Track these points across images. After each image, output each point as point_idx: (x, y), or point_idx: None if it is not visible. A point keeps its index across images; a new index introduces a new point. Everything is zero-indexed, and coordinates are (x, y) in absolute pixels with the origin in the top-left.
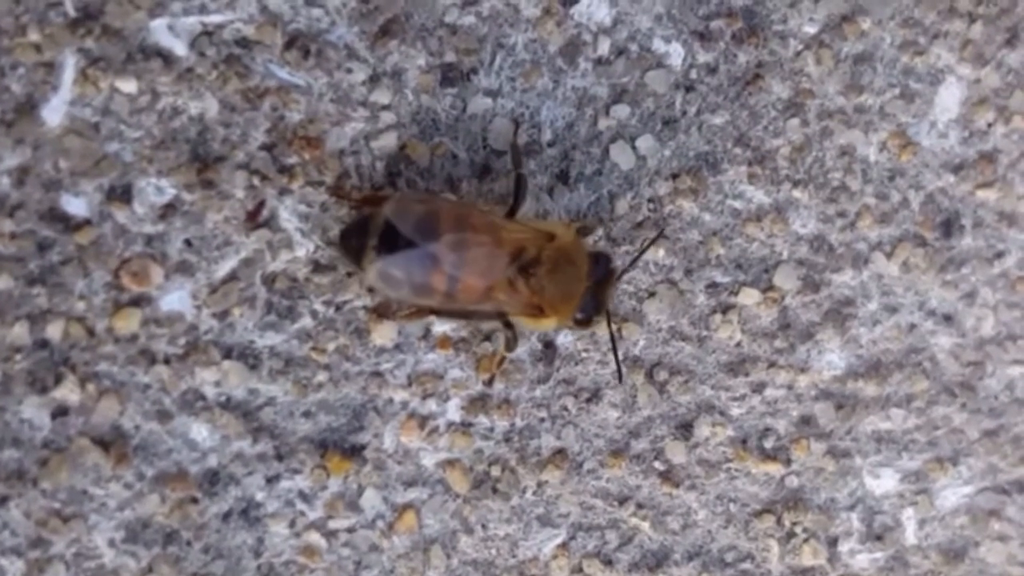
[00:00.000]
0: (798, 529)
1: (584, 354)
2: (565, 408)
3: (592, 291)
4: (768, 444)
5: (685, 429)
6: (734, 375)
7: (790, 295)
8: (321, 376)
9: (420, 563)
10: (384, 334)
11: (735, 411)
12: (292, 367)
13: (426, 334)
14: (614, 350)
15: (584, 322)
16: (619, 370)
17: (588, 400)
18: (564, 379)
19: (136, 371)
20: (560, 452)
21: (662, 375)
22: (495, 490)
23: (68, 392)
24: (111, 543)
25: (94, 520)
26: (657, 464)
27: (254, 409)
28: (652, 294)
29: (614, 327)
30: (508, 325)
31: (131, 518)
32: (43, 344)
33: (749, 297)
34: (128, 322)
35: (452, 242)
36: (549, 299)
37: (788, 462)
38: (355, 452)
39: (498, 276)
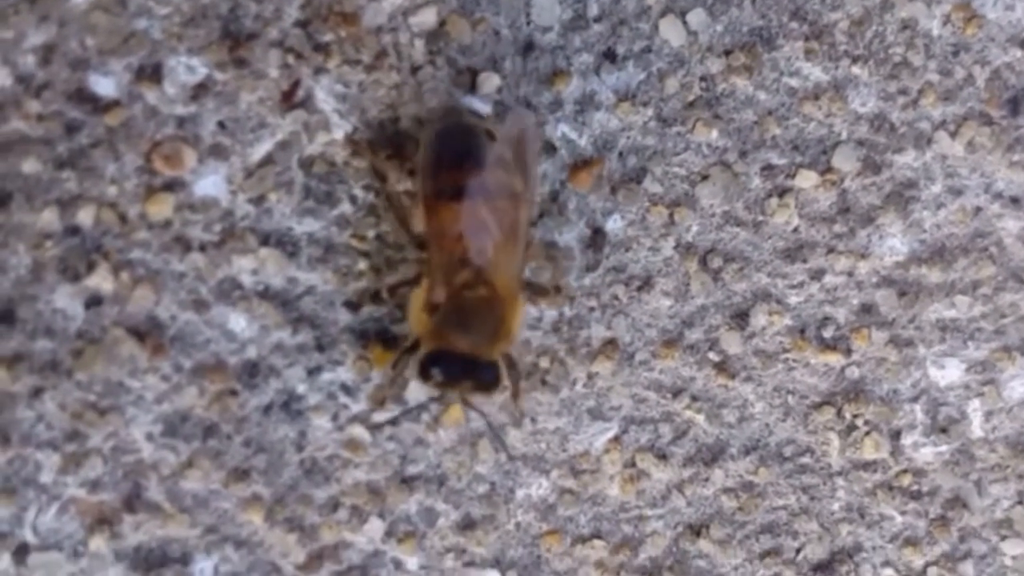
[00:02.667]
0: (859, 422)
1: (635, 241)
2: (615, 297)
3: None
4: (827, 333)
5: (740, 318)
6: (791, 261)
7: (849, 177)
8: (362, 264)
9: (467, 457)
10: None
11: (792, 299)
12: (331, 255)
13: None
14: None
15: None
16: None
17: (639, 288)
18: (614, 267)
19: (171, 259)
20: (611, 342)
21: (716, 262)
22: (544, 382)
23: (101, 280)
24: (149, 437)
25: (131, 413)
26: (712, 355)
27: (293, 298)
28: (705, 177)
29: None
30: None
31: (169, 411)
32: (74, 230)
33: (806, 180)
34: (161, 207)
35: None
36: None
37: (848, 352)
38: (398, 343)
39: None
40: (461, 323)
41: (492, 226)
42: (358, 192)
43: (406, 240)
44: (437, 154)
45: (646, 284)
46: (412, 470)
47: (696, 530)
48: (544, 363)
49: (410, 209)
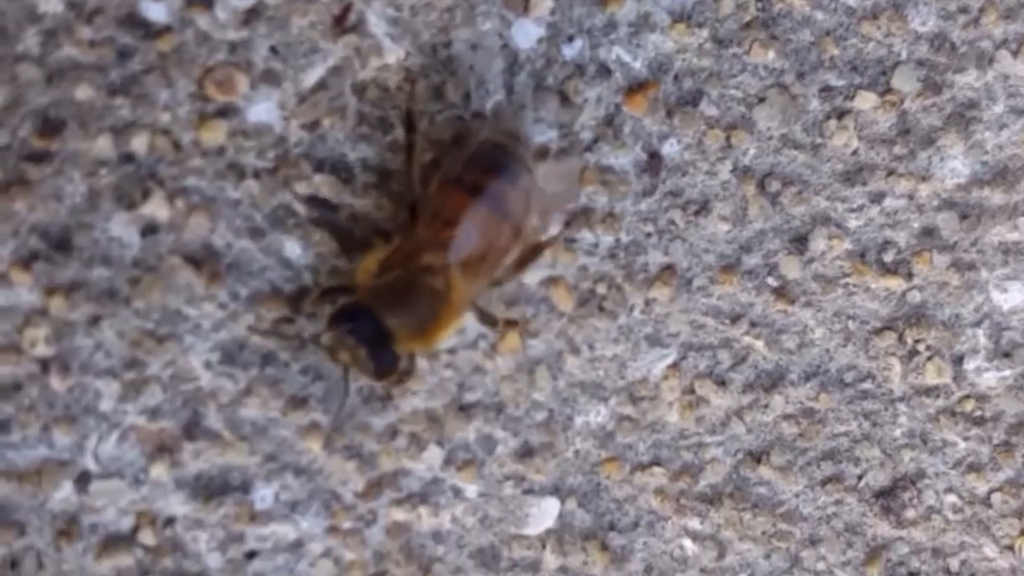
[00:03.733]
0: (921, 347)
1: (691, 165)
2: (672, 222)
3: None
4: (888, 257)
5: (799, 243)
6: (851, 185)
7: (909, 98)
8: None
9: (525, 385)
10: None
11: (852, 223)
12: (385, 180)
13: (525, 145)
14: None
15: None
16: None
17: (696, 213)
18: (671, 191)
19: (225, 186)
20: (668, 268)
21: (774, 186)
22: (601, 308)
23: (157, 208)
24: (207, 365)
25: (189, 341)
26: (770, 280)
27: None
28: (762, 99)
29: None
30: None
31: (226, 339)
32: (128, 158)
33: (866, 101)
34: (215, 134)
35: None
36: None
37: (909, 276)
38: None
39: None
40: (401, 298)
41: (482, 238)
42: None
43: (404, 190)
44: (483, 149)
45: (703, 209)
46: (470, 397)
47: (756, 457)
48: (601, 289)
49: (424, 171)
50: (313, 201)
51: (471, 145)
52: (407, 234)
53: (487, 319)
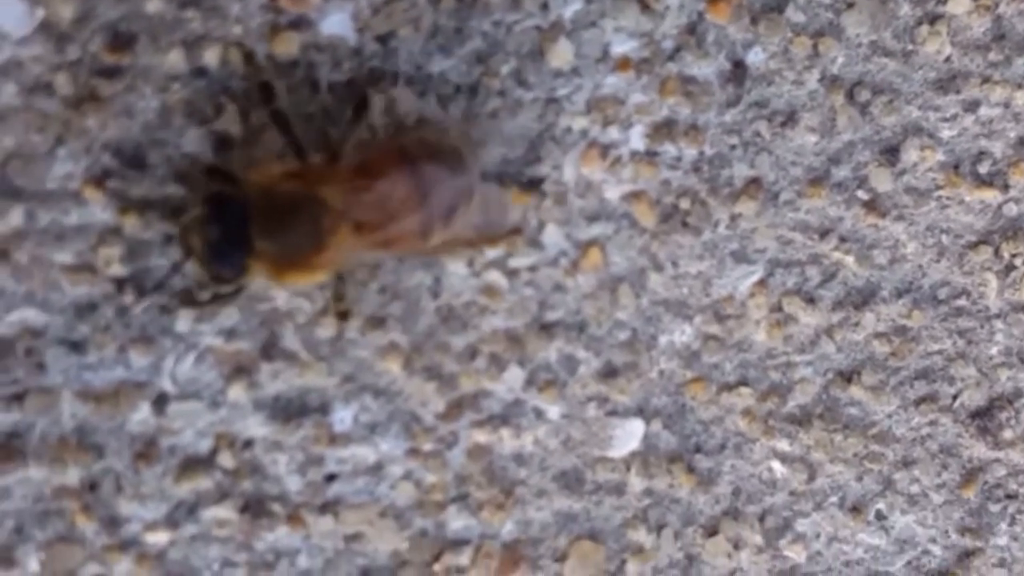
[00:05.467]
0: (1018, 261)
1: (777, 74)
2: (758, 133)
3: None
4: (983, 169)
5: (890, 154)
6: (944, 93)
7: (1004, 2)
8: (494, 103)
9: (607, 303)
10: (560, 56)
11: (945, 133)
12: (463, 94)
13: (604, 55)
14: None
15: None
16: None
17: (783, 124)
18: (756, 101)
19: (299, 100)
20: (754, 181)
21: (864, 95)
22: (685, 224)
23: (229, 123)
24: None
25: None
26: (860, 193)
27: None
28: (851, 5)
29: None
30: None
31: None
32: (200, 72)
33: (959, 5)
34: (288, 46)
35: None
36: None
37: (1006, 188)
38: (533, 185)
39: None
40: (279, 216)
41: (388, 210)
42: (488, 28)
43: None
44: (442, 140)
45: (790, 119)
46: (551, 316)
47: (847, 376)
48: (684, 204)
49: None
50: (264, 88)
51: (434, 131)
52: (324, 163)
53: (338, 300)
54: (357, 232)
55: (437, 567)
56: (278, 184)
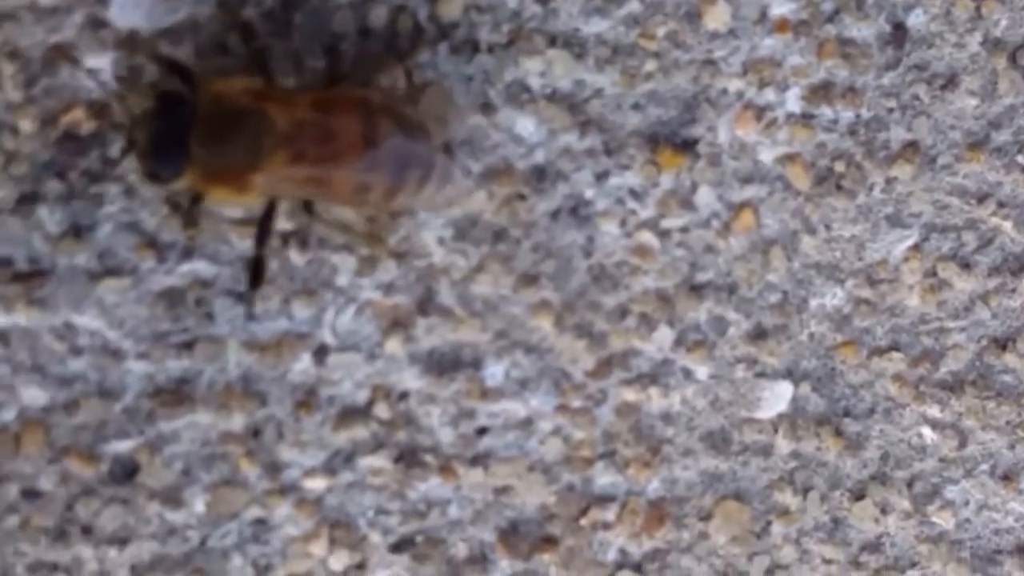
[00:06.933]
0: None
1: (938, 36)
2: (916, 96)
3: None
4: None
5: None
6: None
7: None
8: (650, 65)
9: (759, 265)
10: (717, 17)
11: None
12: (619, 56)
13: (762, 17)
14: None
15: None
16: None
17: (942, 87)
18: (915, 64)
19: (459, 61)
20: (911, 145)
21: None
22: (839, 187)
23: (392, 82)
24: (440, 241)
25: (422, 217)
26: (1020, 158)
27: (581, 101)
28: None
29: None
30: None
31: (459, 215)
32: (366, 33)
33: None
34: (450, 8)
35: None
36: None
37: None
38: (687, 146)
39: None
40: (224, 127)
41: (336, 147)
42: None
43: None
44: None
45: (950, 83)
46: (702, 277)
47: (1002, 344)
48: (839, 167)
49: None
50: (246, 29)
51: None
52: (286, 89)
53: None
54: (295, 162)
55: (583, 521)
56: (232, 96)
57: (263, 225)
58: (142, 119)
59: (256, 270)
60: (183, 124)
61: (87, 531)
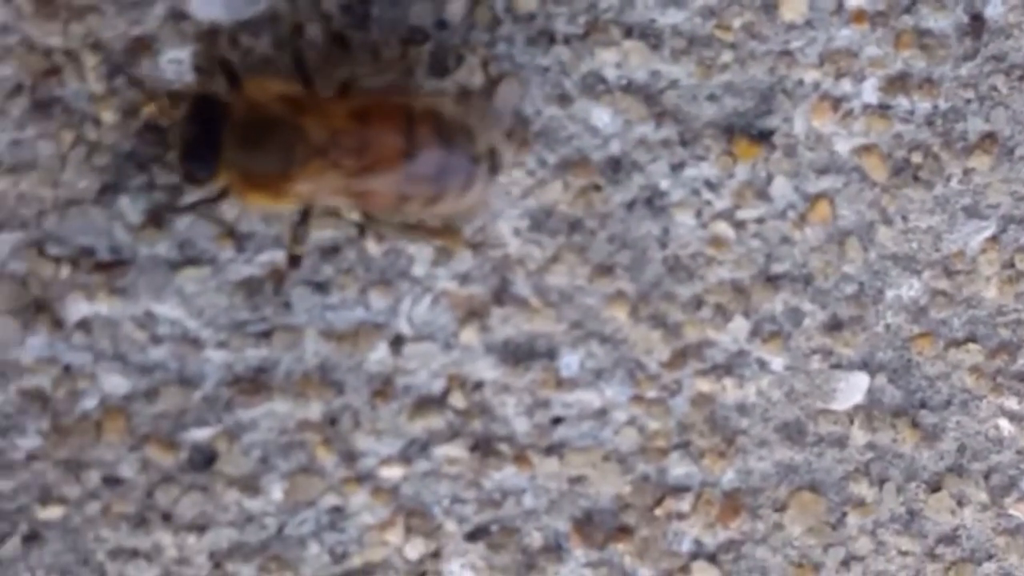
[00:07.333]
0: None
1: (1017, 27)
2: (994, 87)
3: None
4: None
5: None
6: None
7: None
8: (726, 56)
9: (835, 256)
10: (794, 8)
11: None
12: (695, 47)
13: (839, 8)
14: None
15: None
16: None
17: (1020, 78)
18: (993, 55)
19: (536, 52)
20: (989, 136)
21: None
22: (916, 178)
23: (469, 75)
24: (515, 231)
25: (498, 207)
26: None
27: (656, 92)
28: None
29: None
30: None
31: (534, 206)
32: (443, 24)
33: None
34: (527, 1)
35: None
36: None
37: None
38: (763, 137)
39: None
40: (258, 134)
41: (373, 158)
42: None
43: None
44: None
45: None
46: (777, 268)
47: None
48: (916, 158)
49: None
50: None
51: (450, 105)
52: (325, 97)
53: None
54: (331, 171)
55: (658, 512)
56: (268, 102)
57: (297, 230)
58: (179, 122)
59: (287, 270)
60: (216, 127)
61: (167, 518)
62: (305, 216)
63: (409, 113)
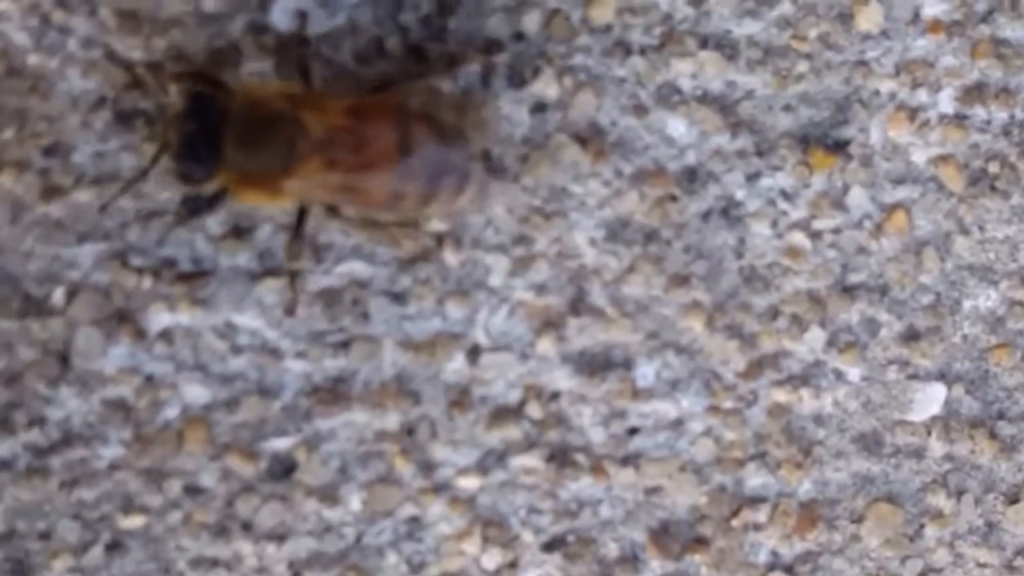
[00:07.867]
0: None
1: None
2: None
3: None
4: None
5: None
6: None
7: None
8: (802, 66)
9: (911, 267)
10: (870, 18)
11: None
12: (771, 57)
13: (915, 18)
14: None
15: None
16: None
17: None
18: None
19: (611, 64)
20: None
21: None
22: (993, 188)
23: (545, 86)
24: (591, 242)
25: (574, 218)
26: None
27: (732, 103)
28: None
29: None
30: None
31: (610, 216)
32: (520, 36)
33: None
34: (603, 11)
35: None
36: None
37: None
38: (839, 147)
39: None
40: (256, 131)
41: (369, 155)
42: None
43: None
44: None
45: None
46: (854, 279)
47: None
48: (993, 168)
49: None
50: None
51: (444, 108)
52: (322, 95)
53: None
54: (328, 168)
55: (735, 522)
56: (267, 100)
57: (296, 229)
58: (175, 120)
59: (293, 288)
60: (215, 125)
61: (247, 527)
62: (299, 229)
63: (404, 112)
